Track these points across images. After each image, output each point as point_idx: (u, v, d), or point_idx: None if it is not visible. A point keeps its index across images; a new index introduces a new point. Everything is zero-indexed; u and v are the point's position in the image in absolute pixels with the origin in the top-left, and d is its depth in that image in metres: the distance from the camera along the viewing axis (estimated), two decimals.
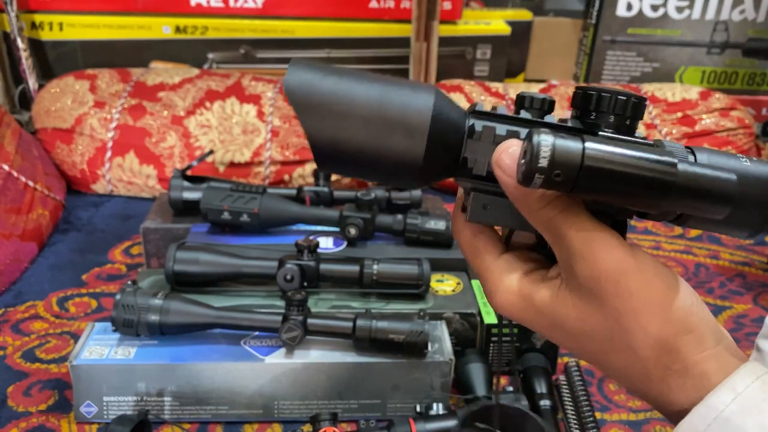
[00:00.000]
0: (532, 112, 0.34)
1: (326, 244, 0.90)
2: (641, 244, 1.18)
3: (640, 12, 1.60)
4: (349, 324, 0.69)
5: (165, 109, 1.30)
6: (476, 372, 0.74)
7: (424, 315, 0.71)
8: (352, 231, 0.88)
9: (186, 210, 0.97)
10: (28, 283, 0.98)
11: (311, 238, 0.79)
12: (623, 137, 0.32)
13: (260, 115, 1.31)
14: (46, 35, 1.48)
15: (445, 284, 0.83)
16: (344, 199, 0.97)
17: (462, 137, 0.33)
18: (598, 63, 1.65)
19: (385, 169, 0.33)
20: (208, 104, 1.31)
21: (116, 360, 0.68)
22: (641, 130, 1.52)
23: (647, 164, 0.29)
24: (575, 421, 0.71)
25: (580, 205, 0.33)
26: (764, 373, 0.31)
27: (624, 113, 0.32)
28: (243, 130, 1.29)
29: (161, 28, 1.51)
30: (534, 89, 1.47)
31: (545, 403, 0.71)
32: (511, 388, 0.71)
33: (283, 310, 0.69)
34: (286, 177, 1.29)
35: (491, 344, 0.79)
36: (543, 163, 0.28)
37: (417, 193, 0.97)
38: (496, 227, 0.38)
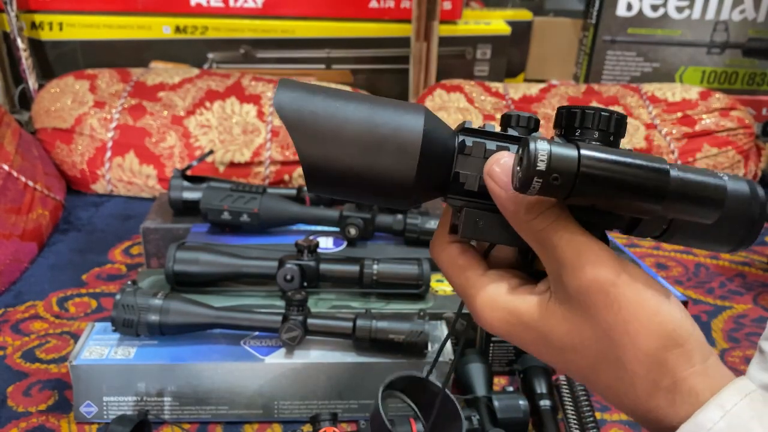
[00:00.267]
0: (519, 130, 0.34)
1: (326, 244, 0.90)
2: (642, 243, 1.18)
3: (640, 12, 1.60)
4: (349, 324, 0.69)
5: (165, 109, 1.30)
6: (476, 372, 0.74)
7: (424, 315, 0.71)
8: (352, 231, 0.88)
9: (186, 210, 0.97)
10: (28, 283, 0.98)
11: (311, 238, 0.79)
12: (615, 148, 0.33)
13: (260, 115, 1.31)
14: (46, 35, 1.48)
15: (445, 284, 0.83)
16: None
17: (453, 154, 0.34)
18: (598, 63, 1.65)
19: (377, 189, 0.33)
20: (208, 104, 1.31)
21: (116, 360, 0.68)
22: (641, 130, 1.51)
23: (640, 168, 0.30)
24: (575, 421, 0.71)
25: (571, 217, 0.33)
26: (752, 391, 0.31)
27: (607, 129, 0.32)
28: (243, 130, 1.29)
29: (161, 28, 1.51)
30: (534, 89, 1.47)
31: (545, 403, 0.71)
32: (511, 388, 0.71)
33: (283, 310, 0.69)
34: (286, 177, 1.29)
35: (491, 344, 0.79)
36: (541, 166, 0.29)
37: None
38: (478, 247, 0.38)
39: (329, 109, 0.32)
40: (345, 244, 0.90)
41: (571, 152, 0.29)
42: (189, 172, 1.04)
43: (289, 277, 0.76)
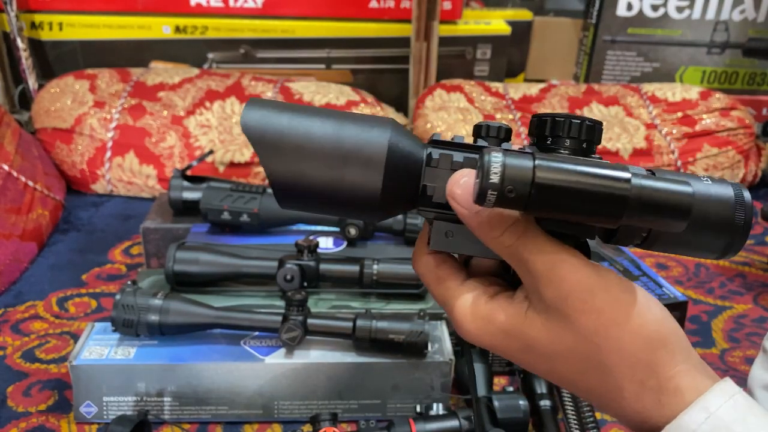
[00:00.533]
0: (489, 140, 0.34)
1: (326, 244, 0.90)
2: None
3: (640, 12, 1.60)
4: (349, 324, 0.69)
5: (165, 109, 1.30)
6: (476, 372, 0.74)
7: (424, 315, 0.71)
8: (352, 231, 0.88)
9: (186, 210, 0.97)
10: (28, 283, 0.98)
11: (311, 238, 0.79)
12: (579, 157, 0.32)
13: None
14: (46, 35, 1.48)
15: None
16: None
17: (420, 167, 0.34)
18: (598, 63, 1.65)
19: (346, 203, 0.33)
20: (208, 104, 1.31)
21: (116, 360, 0.68)
22: (642, 130, 1.51)
23: (600, 178, 0.29)
24: (575, 421, 0.71)
25: (538, 229, 0.33)
26: (736, 393, 0.31)
27: (579, 136, 0.32)
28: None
29: (161, 28, 1.51)
30: (534, 89, 1.47)
31: (545, 403, 0.71)
32: (511, 388, 0.71)
33: (283, 310, 0.69)
34: None
35: None
36: (494, 179, 0.28)
37: None
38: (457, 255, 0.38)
39: (294, 126, 0.32)
40: (345, 244, 0.90)
41: (525, 163, 0.29)
42: (189, 172, 1.03)
43: (289, 277, 0.76)
